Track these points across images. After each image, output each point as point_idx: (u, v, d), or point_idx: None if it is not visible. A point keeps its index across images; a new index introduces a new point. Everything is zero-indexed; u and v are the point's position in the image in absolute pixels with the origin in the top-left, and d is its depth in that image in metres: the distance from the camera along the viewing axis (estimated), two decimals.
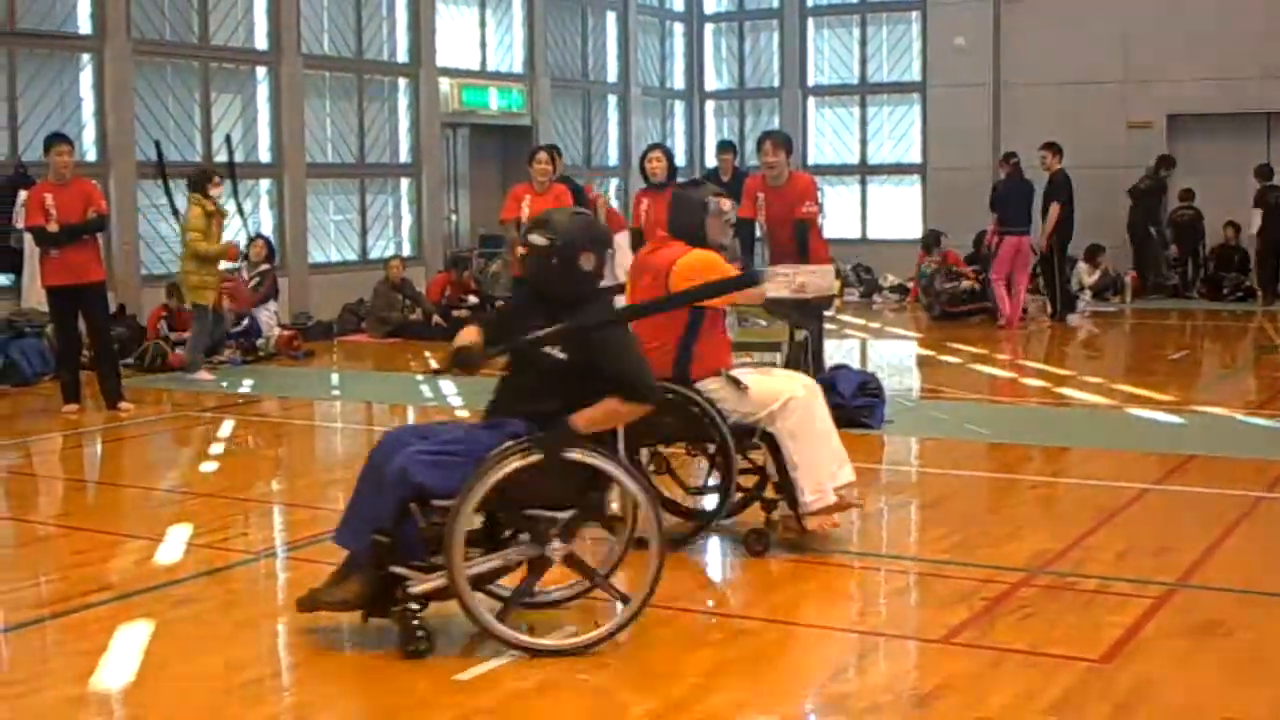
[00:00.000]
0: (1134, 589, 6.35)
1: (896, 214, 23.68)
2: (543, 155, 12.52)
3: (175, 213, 15.76)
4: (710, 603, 6.48)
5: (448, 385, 13.25)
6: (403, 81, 19.94)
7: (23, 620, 6.25)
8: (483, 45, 21.35)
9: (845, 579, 6.76)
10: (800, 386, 6.91)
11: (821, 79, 24.78)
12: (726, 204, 7.38)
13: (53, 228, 11.54)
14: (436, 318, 17.20)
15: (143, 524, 8.09)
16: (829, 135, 24.71)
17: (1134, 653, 5.49)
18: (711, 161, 18.80)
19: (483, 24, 21.34)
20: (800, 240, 10.78)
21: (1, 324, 13.81)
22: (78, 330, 11.97)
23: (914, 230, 22.18)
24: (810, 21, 24.68)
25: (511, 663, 5.50)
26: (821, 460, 6.80)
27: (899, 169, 23.83)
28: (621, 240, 13.66)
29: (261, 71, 17.86)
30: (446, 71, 20.36)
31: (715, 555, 7.29)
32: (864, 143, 24.28)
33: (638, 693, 5.25)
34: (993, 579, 6.38)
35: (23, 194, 12.78)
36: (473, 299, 18.13)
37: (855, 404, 10.30)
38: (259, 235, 16.37)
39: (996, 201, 18.06)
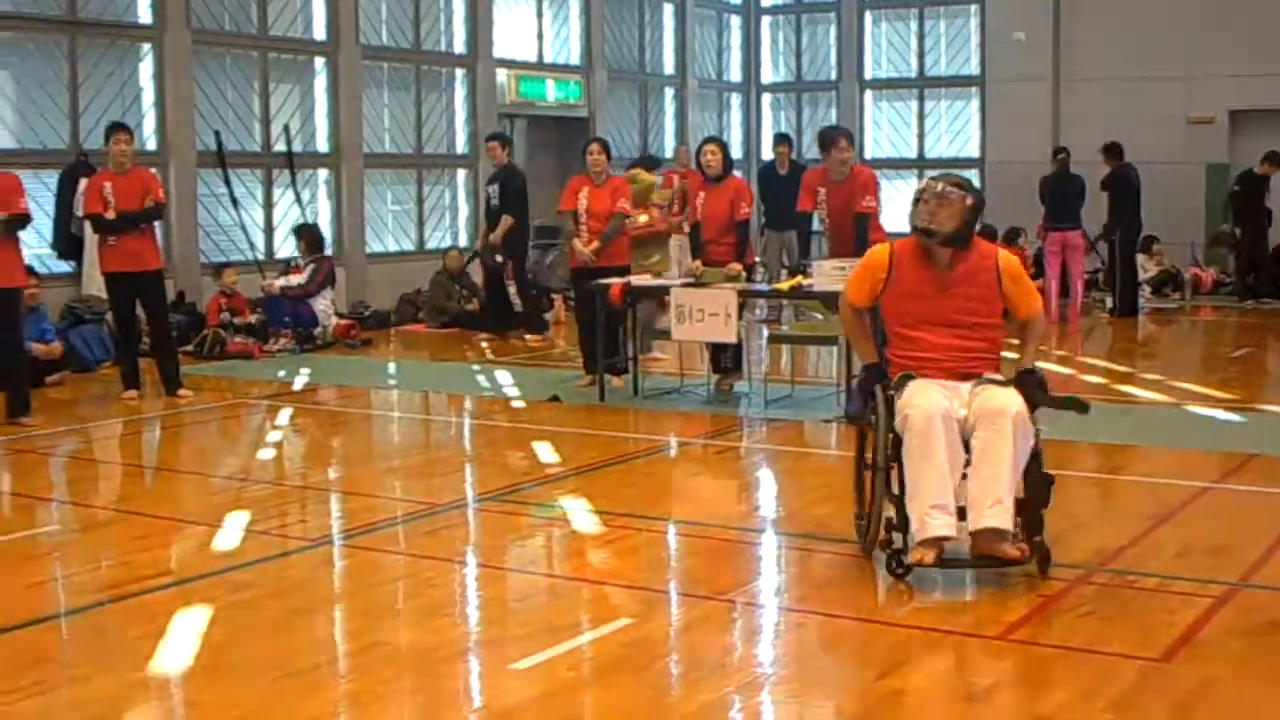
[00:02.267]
0: (1194, 588, 6.29)
1: None
2: (595, 147, 12.51)
3: (234, 201, 15.91)
4: (766, 595, 6.45)
5: (504, 376, 13.28)
6: (460, 72, 19.98)
7: (84, 604, 6.31)
8: (540, 37, 21.35)
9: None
10: (934, 404, 6.19)
11: (879, 72, 24.66)
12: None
13: (110, 215, 11.64)
14: None
15: (201, 510, 8.14)
16: (885, 129, 24.61)
17: (1194, 652, 5.44)
18: (768, 154, 18.74)
19: (540, 15, 21.35)
20: (860, 234, 10.74)
21: (63, 311, 13.93)
22: (136, 317, 12.08)
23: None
24: (868, 14, 24.56)
25: (567, 651, 5.52)
26: (926, 488, 6.15)
27: (957, 164, 23.67)
28: (682, 243, 13.67)
29: (320, 62, 17.93)
30: (504, 63, 20.38)
31: (770, 550, 7.28)
32: (921, 137, 24.16)
33: (693, 684, 5.25)
34: (1051, 576, 6.32)
35: (83, 182, 12.86)
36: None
37: None
38: (305, 225, 16.42)
39: (1044, 197, 17.94)
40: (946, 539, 6.20)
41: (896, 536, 6.34)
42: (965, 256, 6.51)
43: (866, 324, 6.86)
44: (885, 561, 6.34)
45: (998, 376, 6.45)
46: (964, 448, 6.22)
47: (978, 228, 6.64)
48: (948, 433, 6.18)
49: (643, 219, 13.87)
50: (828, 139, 11.42)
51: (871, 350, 6.73)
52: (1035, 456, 6.26)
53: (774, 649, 5.72)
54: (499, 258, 16.23)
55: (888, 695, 5.10)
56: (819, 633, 5.87)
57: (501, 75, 20.29)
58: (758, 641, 5.83)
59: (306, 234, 16.09)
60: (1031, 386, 6.35)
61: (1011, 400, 6.23)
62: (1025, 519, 6.27)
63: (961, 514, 6.22)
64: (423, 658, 5.54)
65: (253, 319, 15.22)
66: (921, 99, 24.18)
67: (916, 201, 6.48)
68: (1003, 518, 6.13)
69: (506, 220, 15.88)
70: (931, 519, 6.15)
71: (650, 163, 16.76)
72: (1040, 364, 6.72)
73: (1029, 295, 6.64)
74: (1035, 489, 6.30)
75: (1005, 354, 6.65)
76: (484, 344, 15.73)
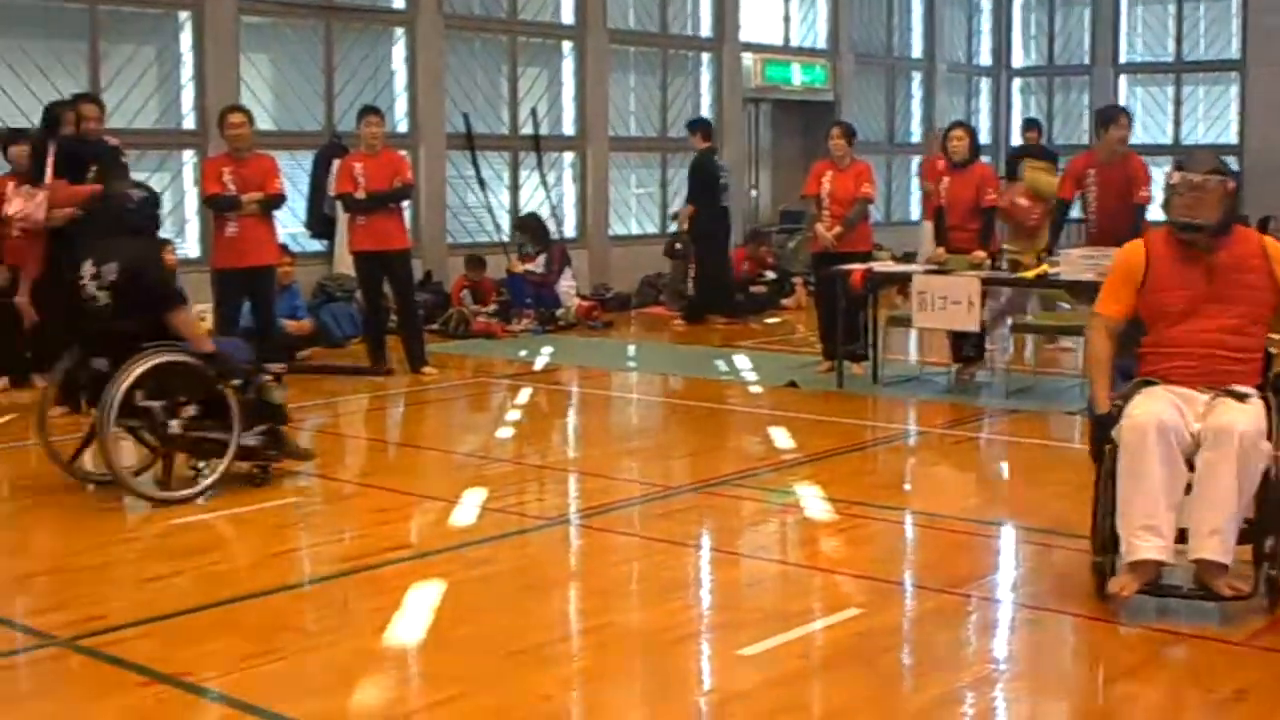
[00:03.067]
0: None
1: None
2: (836, 131, 12.40)
3: (481, 183, 16.17)
4: (1000, 589, 6.31)
5: (742, 360, 13.26)
6: (706, 56, 20.00)
7: (325, 574, 6.48)
8: (786, 20, 21.26)
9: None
10: (1153, 414, 5.65)
11: (1134, 56, 23.98)
12: None
13: (360, 195, 11.93)
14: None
15: (441, 486, 8.29)
16: (1140, 114, 23.86)
17: None
18: (1016, 140, 18.37)
19: None
20: (1136, 226, 10.33)
21: (315, 288, 14.34)
22: (383, 295, 12.36)
23: None
24: None
25: (796, 639, 5.47)
26: (1136, 507, 5.67)
27: (1214, 151, 22.85)
28: (926, 230, 13.46)
29: (568, 46, 18.11)
30: (750, 47, 20.35)
31: (1006, 544, 7.12)
32: (1178, 123, 23.41)
33: (922, 678, 5.16)
34: None
35: (336, 163, 13.21)
36: (770, 274, 18.09)
37: None
38: (525, 217, 16.58)
39: None
40: (1160, 564, 5.66)
41: (1107, 558, 5.84)
42: (1226, 243, 5.96)
43: (1110, 359, 6.11)
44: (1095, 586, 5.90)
45: (1243, 389, 5.78)
46: (1190, 465, 5.67)
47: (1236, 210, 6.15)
48: (1164, 447, 5.60)
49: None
50: (1108, 116, 11.16)
51: (1105, 398, 5.96)
52: (1266, 477, 5.63)
53: (1006, 645, 5.59)
54: (678, 245, 16.58)
55: (1123, 699, 4.94)
56: (1054, 631, 5.71)
57: (747, 59, 20.26)
58: (990, 637, 5.70)
59: (528, 226, 16.22)
60: None
61: (1243, 418, 5.60)
62: (1254, 549, 5.69)
63: (1184, 536, 5.68)
64: (652, 639, 5.54)
65: (493, 306, 15.41)
66: (1178, 84, 23.42)
67: (1169, 193, 5.95)
68: (1218, 550, 5.55)
69: (687, 209, 16.08)
70: (1140, 540, 5.64)
71: (1047, 156, 16.18)
72: None
73: None
74: (1266, 515, 5.70)
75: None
76: (719, 326, 15.75)
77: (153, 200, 8.20)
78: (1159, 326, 6.01)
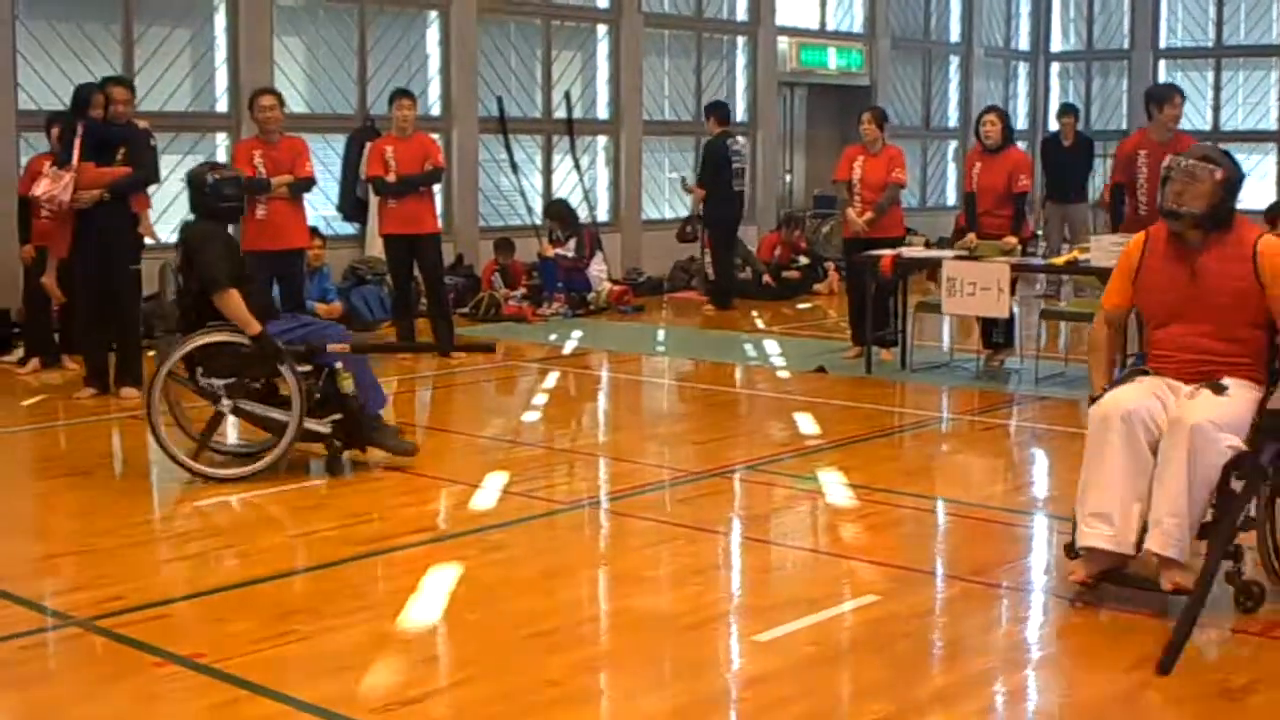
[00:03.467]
0: None
1: (1248, 184, 22.51)
2: (867, 116, 12.35)
3: (514, 167, 16.17)
4: (1022, 578, 6.27)
5: (771, 345, 13.23)
6: (741, 40, 19.94)
7: (344, 556, 6.47)
8: (822, 4, 21.18)
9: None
10: (1121, 402, 5.61)
11: (1174, 41, 23.77)
12: None
13: (391, 179, 11.94)
14: (766, 277, 17.18)
15: (464, 469, 8.29)
16: None
17: None
18: (1054, 125, 18.23)
19: None
20: None
21: (345, 271, 14.37)
22: (413, 279, 12.38)
23: (1266, 200, 21.09)
24: None
25: (810, 625, 5.45)
26: (1089, 494, 5.64)
27: (1253, 136, 22.69)
28: None
29: (602, 29, 18.08)
30: (785, 30, 20.27)
31: (1031, 533, 7.08)
32: (1217, 109, 23.20)
33: (935, 666, 5.16)
34: None
35: (369, 146, 13.22)
36: (803, 259, 18.04)
37: None
38: (552, 203, 16.57)
39: None
40: (1118, 554, 5.59)
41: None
42: (1220, 240, 5.75)
43: (1113, 350, 6.12)
44: None
45: (1225, 381, 5.63)
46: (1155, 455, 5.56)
47: (1238, 205, 5.92)
48: (1126, 436, 5.53)
49: None
50: (1162, 95, 11.08)
51: (1099, 385, 5.91)
52: (1228, 472, 5.45)
53: (1025, 634, 5.55)
54: (688, 229, 16.73)
55: (1137, 687, 4.90)
56: (1073, 620, 5.66)
57: (783, 43, 20.19)
58: (1010, 625, 5.65)
59: (557, 211, 16.20)
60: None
61: (1203, 410, 5.47)
62: (1209, 544, 5.46)
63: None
64: (666, 625, 5.54)
65: (523, 290, 15.41)
66: (1218, 69, 23.20)
67: (1164, 180, 5.83)
68: (1160, 542, 5.45)
69: (698, 192, 16.16)
70: (1088, 527, 5.61)
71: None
72: None
73: None
74: (1220, 510, 5.49)
75: None
76: (754, 312, 15.72)
77: (229, 183, 8.28)
78: (1149, 326, 5.98)
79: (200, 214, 8.27)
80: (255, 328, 7.73)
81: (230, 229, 8.55)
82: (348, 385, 7.85)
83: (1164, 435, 5.51)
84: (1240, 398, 5.60)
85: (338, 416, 7.87)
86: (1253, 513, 5.53)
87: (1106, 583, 5.69)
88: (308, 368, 7.82)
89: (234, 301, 7.78)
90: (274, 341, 7.73)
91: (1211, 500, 5.49)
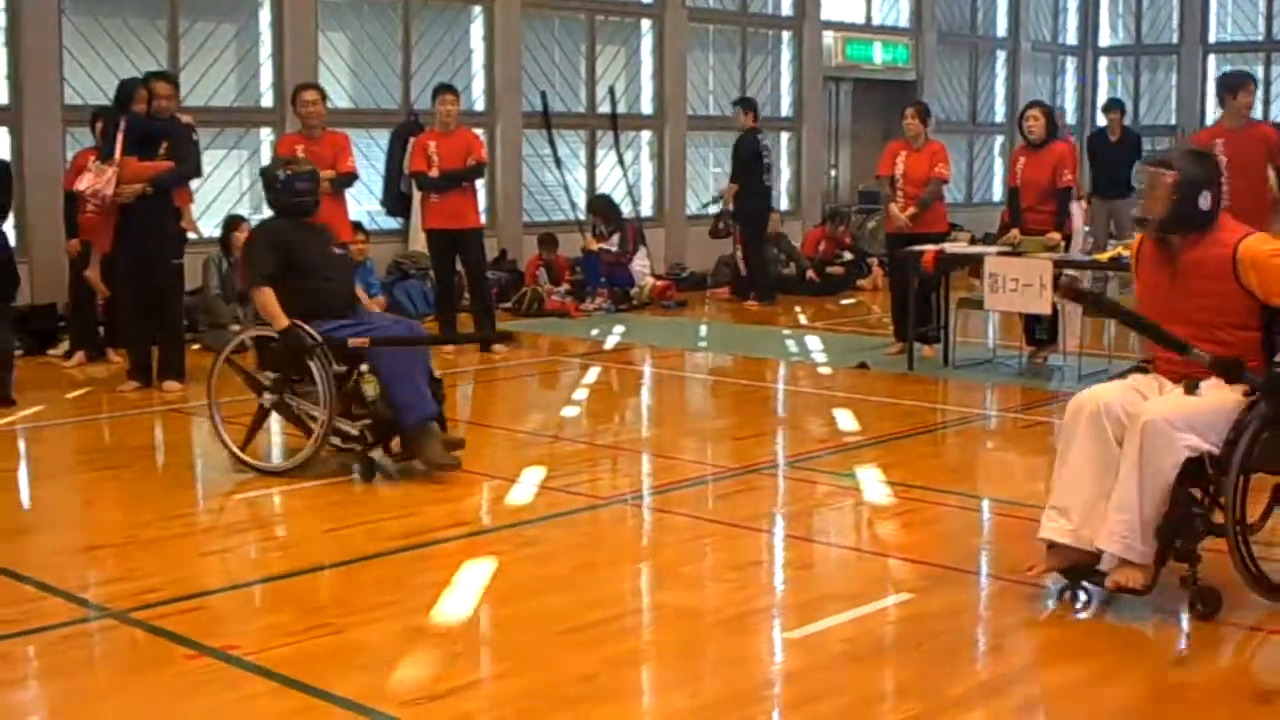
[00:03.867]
0: None
1: None
2: (909, 111, 12.28)
3: (558, 162, 16.18)
4: (1057, 577, 6.22)
5: (813, 341, 13.20)
6: (786, 35, 19.89)
7: (380, 550, 6.49)
8: None
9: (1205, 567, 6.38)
10: (1095, 397, 5.58)
11: (1224, 34, 23.56)
12: None
13: (434, 174, 11.97)
14: (810, 272, 17.13)
15: (502, 464, 8.29)
16: None
17: None
18: (1101, 120, 18.10)
19: None
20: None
21: (389, 265, 14.42)
22: (455, 274, 12.41)
23: None
24: None
25: (843, 623, 5.43)
26: (1053, 486, 5.68)
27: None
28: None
29: (646, 24, 18.08)
30: (831, 25, 20.22)
31: None
32: (1266, 104, 22.97)
33: (965, 666, 5.12)
34: None
35: (412, 141, 13.24)
36: (847, 255, 17.98)
37: None
38: (594, 199, 16.57)
39: None
40: (1069, 549, 5.57)
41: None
42: (1200, 242, 5.60)
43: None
44: None
45: (1201, 383, 5.53)
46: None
47: (1204, 205, 5.57)
48: (1093, 431, 5.48)
49: None
50: (1235, 82, 10.97)
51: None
52: (1186, 472, 5.34)
53: (1058, 634, 5.50)
54: (721, 224, 16.72)
55: (1172, 689, 4.86)
56: (1105, 622, 5.61)
57: (828, 37, 20.14)
58: (1043, 626, 5.60)
59: (598, 207, 16.20)
60: (1230, 370, 5.39)
61: (1160, 407, 5.40)
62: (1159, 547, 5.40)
63: None
64: (699, 621, 5.52)
65: (566, 285, 15.42)
66: (1268, 63, 22.99)
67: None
68: (1107, 538, 5.41)
69: (731, 186, 16.11)
70: (1046, 520, 5.61)
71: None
72: None
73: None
74: (1171, 511, 5.37)
75: None
76: (797, 308, 15.69)
77: (301, 177, 8.25)
78: None
79: (275, 209, 8.28)
80: (282, 323, 7.74)
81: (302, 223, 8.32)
82: (370, 389, 7.69)
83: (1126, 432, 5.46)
84: (1215, 399, 5.47)
85: (369, 421, 7.78)
86: (1219, 519, 5.42)
87: (1085, 582, 5.66)
88: (342, 368, 7.71)
89: (264, 298, 7.84)
90: (301, 337, 7.70)
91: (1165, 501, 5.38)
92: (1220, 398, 5.47)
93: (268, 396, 7.89)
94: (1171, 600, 5.53)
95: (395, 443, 7.92)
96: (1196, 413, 5.42)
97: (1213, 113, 23.20)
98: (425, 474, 7.77)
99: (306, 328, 7.73)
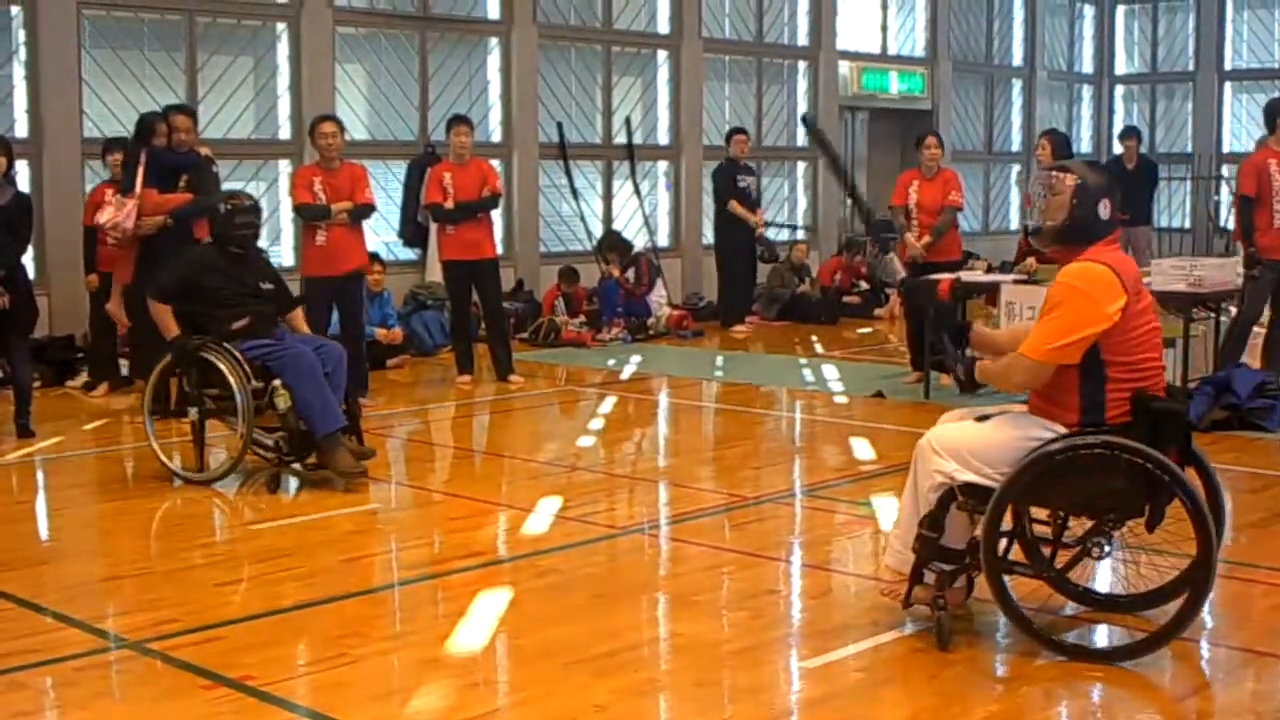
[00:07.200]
0: None
1: None
2: (931, 140, 12.33)
3: (575, 192, 16.22)
4: (1070, 606, 6.21)
5: (830, 370, 13.20)
6: (802, 65, 19.95)
7: (395, 580, 6.52)
8: (884, 28, 21.17)
9: (1221, 591, 6.38)
10: (932, 429, 5.61)
11: (1240, 62, 23.56)
12: None
13: (449, 205, 12.02)
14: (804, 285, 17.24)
15: (518, 494, 8.31)
16: (1245, 122, 23.44)
17: None
18: (1117, 148, 18.11)
19: (885, 6, 21.17)
20: None
21: (406, 296, 14.47)
22: (472, 304, 12.45)
23: None
24: (1229, 0, 23.47)
25: (858, 653, 5.43)
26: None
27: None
28: None
29: (662, 55, 18.15)
30: (846, 55, 20.27)
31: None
32: None
33: (982, 694, 5.11)
34: None
35: (429, 172, 13.30)
36: (864, 284, 18.00)
37: (1251, 405, 9.73)
38: (604, 235, 16.61)
39: None
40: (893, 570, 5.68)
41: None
42: (1077, 257, 5.28)
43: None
44: None
45: (992, 414, 5.49)
46: None
47: (1104, 215, 5.24)
48: (915, 464, 5.56)
49: None
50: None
51: None
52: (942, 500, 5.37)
53: (1073, 665, 5.46)
54: (762, 251, 16.83)
55: (1192, 715, 4.85)
56: (1122, 645, 5.59)
57: (844, 67, 20.20)
58: (1055, 656, 5.60)
59: (610, 244, 16.22)
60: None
61: (935, 430, 5.47)
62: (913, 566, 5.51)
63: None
64: (713, 650, 5.52)
65: (581, 317, 15.45)
66: None
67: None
68: (887, 552, 5.76)
69: (759, 217, 16.48)
70: (889, 545, 5.82)
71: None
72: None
73: (1036, 331, 5.23)
74: (919, 537, 5.46)
75: None
76: (813, 337, 15.70)
77: (241, 211, 8.74)
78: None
79: (213, 238, 8.80)
80: (171, 333, 8.50)
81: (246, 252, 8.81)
82: (282, 402, 8.17)
83: None
84: (1000, 432, 5.35)
85: (282, 434, 8.30)
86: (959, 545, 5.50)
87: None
88: (259, 383, 8.24)
89: (155, 309, 8.58)
90: (184, 345, 8.39)
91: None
92: (1001, 431, 5.37)
93: (193, 411, 8.48)
94: (1189, 631, 5.51)
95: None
96: (971, 442, 5.36)
97: (1229, 140, 23.24)
98: (441, 503, 7.78)
99: (206, 339, 8.39)
